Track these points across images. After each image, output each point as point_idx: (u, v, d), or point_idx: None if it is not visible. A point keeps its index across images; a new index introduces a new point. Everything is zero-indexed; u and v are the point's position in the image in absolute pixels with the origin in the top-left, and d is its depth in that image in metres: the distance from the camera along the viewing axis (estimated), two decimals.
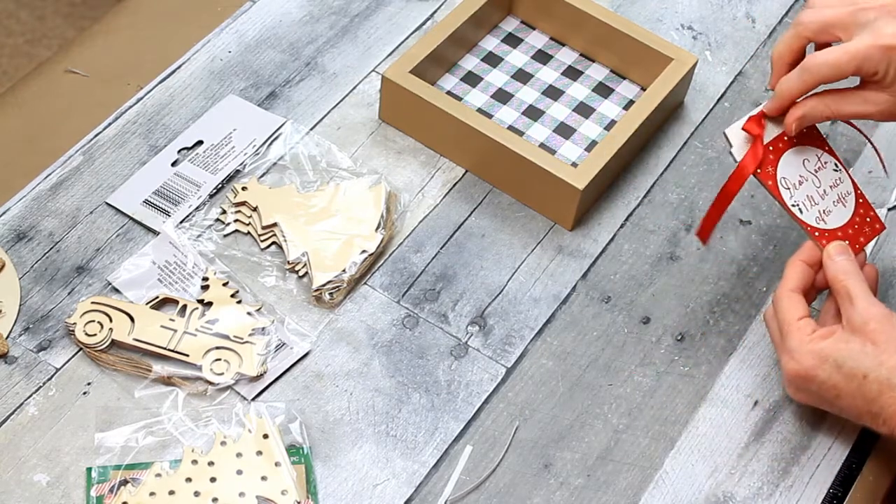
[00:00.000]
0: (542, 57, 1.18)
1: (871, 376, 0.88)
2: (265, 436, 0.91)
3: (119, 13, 1.18)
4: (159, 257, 1.00)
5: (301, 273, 1.01)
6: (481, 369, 0.98)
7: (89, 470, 0.89)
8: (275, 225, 1.03)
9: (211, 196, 1.05)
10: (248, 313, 0.98)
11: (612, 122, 1.13)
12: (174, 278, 0.99)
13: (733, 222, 1.09)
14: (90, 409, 0.92)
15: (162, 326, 0.96)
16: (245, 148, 1.08)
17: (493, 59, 1.17)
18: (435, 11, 1.21)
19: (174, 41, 1.16)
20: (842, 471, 0.96)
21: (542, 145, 1.11)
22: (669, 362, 1.00)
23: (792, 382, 0.93)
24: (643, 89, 1.16)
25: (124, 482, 0.88)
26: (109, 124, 1.09)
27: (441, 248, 1.05)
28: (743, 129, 0.95)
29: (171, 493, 0.88)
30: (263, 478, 0.89)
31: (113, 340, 0.95)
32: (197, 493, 0.88)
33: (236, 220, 1.04)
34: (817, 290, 0.96)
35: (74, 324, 0.95)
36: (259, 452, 0.90)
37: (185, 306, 0.97)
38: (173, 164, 1.06)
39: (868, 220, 0.98)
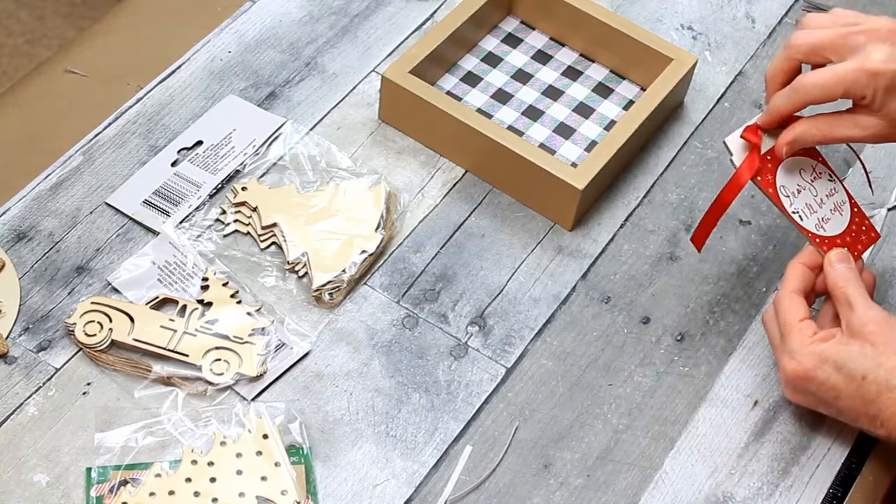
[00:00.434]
0: (542, 57, 1.18)
1: (870, 377, 0.88)
2: (265, 436, 0.91)
3: (119, 13, 1.18)
4: (159, 257, 1.00)
5: (301, 273, 1.01)
6: (481, 369, 0.98)
7: (89, 470, 0.89)
8: (275, 225, 1.03)
9: (211, 196, 1.05)
10: (248, 313, 0.98)
11: (612, 123, 1.13)
12: (174, 278, 0.99)
13: (733, 222, 1.09)
14: (90, 409, 0.92)
15: (162, 326, 0.96)
16: (245, 148, 1.08)
17: (492, 60, 1.17)
18: (435, 11, 1.21)
19: (174, 41, 1.16)
20: (842, 471, 0.96)
21: (541, 145, 1.11)
22: (669, 362, 1.00)
23: (791, 383, 0.93)
24: (643, 89, 1.16)
25: (124, 482, 0.88)
26: (109, 124, 1.09)
27: (441, 249, 1.05)
28: (742, 136, 0.95)
29: (171, 493, 0.88)
30: (263, 478, 0.89)
31: (113, 340, 0.95)
32: (197, 494, 0.88)
33: (236, 221, 1.04)
34: (816, 295, 0.96)
35: (74, 324, 0.95)
36: (259, 452, 0.90)
37: (184, 306, 0.97)
38: (173, 165, 1.06)
39: (864, 228, 0.98)
